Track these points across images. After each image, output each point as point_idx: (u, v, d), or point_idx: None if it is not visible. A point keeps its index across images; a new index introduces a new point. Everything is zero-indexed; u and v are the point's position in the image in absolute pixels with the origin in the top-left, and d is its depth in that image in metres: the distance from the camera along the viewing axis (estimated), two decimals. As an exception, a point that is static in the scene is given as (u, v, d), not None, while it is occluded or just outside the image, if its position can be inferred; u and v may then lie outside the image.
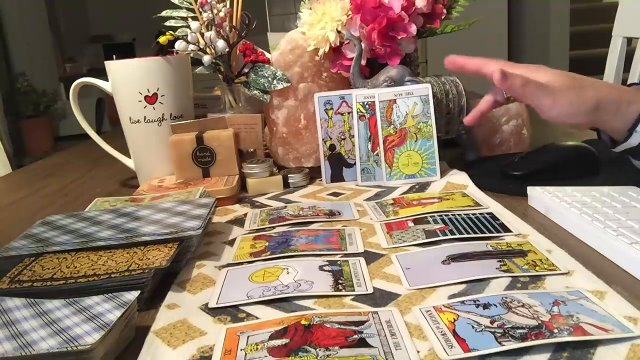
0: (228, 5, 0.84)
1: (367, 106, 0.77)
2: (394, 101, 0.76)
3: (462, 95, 0.84)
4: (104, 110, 4.99)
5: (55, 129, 4.99)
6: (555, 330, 0.36)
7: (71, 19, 5.70)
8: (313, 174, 0.82)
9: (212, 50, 0.83)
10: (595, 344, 0.36)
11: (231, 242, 0.60)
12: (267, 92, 0.82)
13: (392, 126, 0.76)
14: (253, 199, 0.76)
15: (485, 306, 0.40)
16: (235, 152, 0.80)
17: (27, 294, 0.44)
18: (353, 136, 0.78)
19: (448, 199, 0.67)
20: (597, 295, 0.42)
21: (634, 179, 0.63)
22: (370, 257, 0.53)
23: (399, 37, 0.78)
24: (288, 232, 0.60)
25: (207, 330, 0.41)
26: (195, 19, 0.85)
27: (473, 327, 0.38)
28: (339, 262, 0.51)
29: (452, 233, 0.56)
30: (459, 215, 0.61)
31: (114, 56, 0.83)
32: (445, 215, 0.61)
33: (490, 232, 0.56)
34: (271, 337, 0.39)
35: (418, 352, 0.36)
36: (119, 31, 5.62)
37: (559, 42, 3.42)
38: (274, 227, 0.63)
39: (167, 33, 0.82)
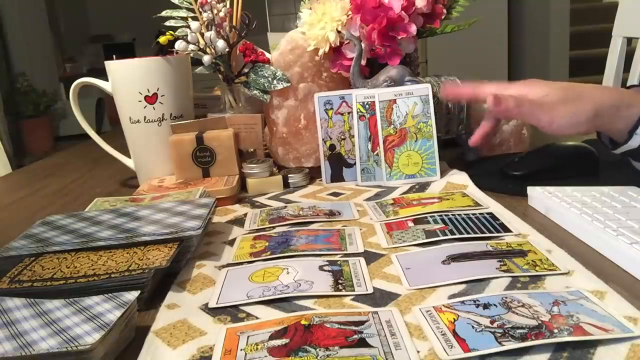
0: (228, 5, 0.84)
1: (367, 106, 0.77)
2: (394, 101, 0.76)
3: (462, 95, 0.84)
4: (104, 110, 4.99)
5: (55, 129, 4.99)
6: (555, 330, 0.36)
7: (71, 19, 5.70)
8: (313, 174, 0.82)
9: (212, 50, 0.83)
10: (595, 344, 0.36)
11: (231, 242, 0.60)
12: (267, 92, 0.82)
13: (392, 126, 0.76)
14: (253, 199, 0.76)
15: (485, 306, 0.40)
16: (235, 152, 0.80)
17: (27, 294, 0.44)
18: (353, 136, 0.78)
19: (448, 199, 0.67)
20: (597, 295, 0.42)
21: (634, 179, 0.63)
22: (370, 257, 0.53)
23: (399, 37, 0.78)
24: (288, 232, 0.60)
25: (207, 330, 0.41)
26: (195, 19, 0.85)
27: (473, 327, 0.38)
28: (339, 262, 0.51)
29: (452, 233, 0.56)
30: (459, 215, 0.61)
31: (114, 56, 0.83)
32: (445, 215, 0.61)
33: (490, 232, 0.56)
34: (271, 337, 0.39)
35: (418, 352, 0.36)
36: (119, 31, 5.62)
37: (559, 42, 3.42)
38: (274, 227, 0.63)
39: (167, 33, 0.82)
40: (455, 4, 0.86)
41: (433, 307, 0.41)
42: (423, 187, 0.74)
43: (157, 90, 0.81)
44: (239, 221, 0.67)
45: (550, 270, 0.46)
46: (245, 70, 0.84)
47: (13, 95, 4.61)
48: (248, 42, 0.85)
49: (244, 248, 0.57)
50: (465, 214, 0.61)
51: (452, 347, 0.36)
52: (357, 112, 0.78)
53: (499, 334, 0.36)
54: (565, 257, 0.49)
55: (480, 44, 3.19)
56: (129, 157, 0.88)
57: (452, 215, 0.61)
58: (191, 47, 0.83)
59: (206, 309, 0.45)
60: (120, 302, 0.41)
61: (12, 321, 0.40)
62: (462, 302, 0.42)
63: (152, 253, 0.50)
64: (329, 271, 0.49)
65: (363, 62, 0.80)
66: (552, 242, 0.53)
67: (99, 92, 1.22)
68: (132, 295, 0.42)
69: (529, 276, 0.46)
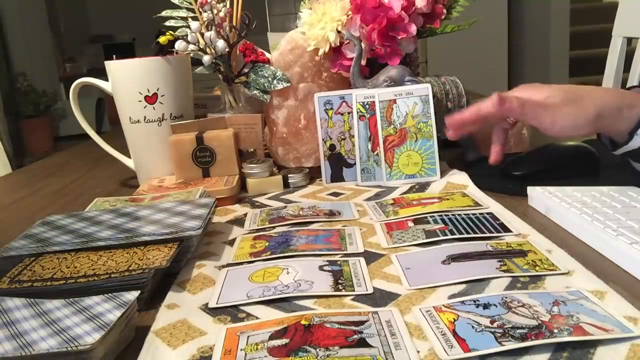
0: (228, 5, 0.84)
1: (367, 106, 0.77)
2: (394, 101, 0.76)
3: (462, 95, 0.84)
4: (104, 110, 4.99)
5: (55, 129, 4.99)
6: (555, 330, 0.36)
7: (71, 19, 5.70)
8: (313, 174, 0.82)
9: (212, 50, 0.83)
10: (595, 344, 0.36)
11: (231, 242, 0.60)
12: (267, 92, 0.82)
13: (392, 126, 0.76)
14: (253, 199, 0.76)
15: (485, 306, 0.40)
16: (235, 152, 0.80)
17: (27, 294, 0.44)
18: (353, 136, 0.78)
19: (448, 199, 0.67)
20: (597, 295, 0.42)
21: (634, 179, 0.63)
22: (370, 257, 0.53)
23: (399, 37, 0.78)
24: (288, 232, 0.60)
25: (207, 330, 0.41)
26: (195, 19, 0.85)
27: (473, 327, 0.38)
28: (339, 262, 0.51)
29: (452, 233, 0.56)
30: (459, 215, 0.61)
31: (114, 56, 0.83)
32: (445, 215, 0.61)
33: (490, 232, 0.56)
34: (271, 337, 0.39)
35: (418, 352, 0.36)
36: (119, 31, 5.62)
37: (559, 42, 3.42)
38: (274, 227, 0.63)
39: (167, 33, 0.82)
40: (455, 4, 0.86)
41: (433, 307, 0.41)
42: (423, 187, 0.74)
43: (157, 90, 0.81)
44: (239, 221, 0.67)
45: (550, 270, 0.46)
46: (245, 70, 0.84)
47: (13, 95, 4.61)
48: (248, 42, 0.85)
49: (244, 248, 0.57)
50: (465, 214, 0.61)
51: (452, 347, 0.36)
52: (357, 112, 0.78)
53: (499, 334, 0.36)
54: (565, 257, 0.49)
55: (480, 44, 3.19)
56: (129, 157, 0.88)
57: (452, 215, 0.61)
58: (191, 47, 0.83)
59: (206, 309, 0.45)
60: (120, 302, 0.41)
61: (12, 321, 0.40)
62: (462, 302, 0.42)
63: (152, 253, 0.50)
64: (329, 271, 0.49)
65: (363, 62, 0.80)
66: (552, 242, 0.53)
67: (99, 92, 1.22)
68: (132, 295, 0.42)
69: (529, 276, 0.46)
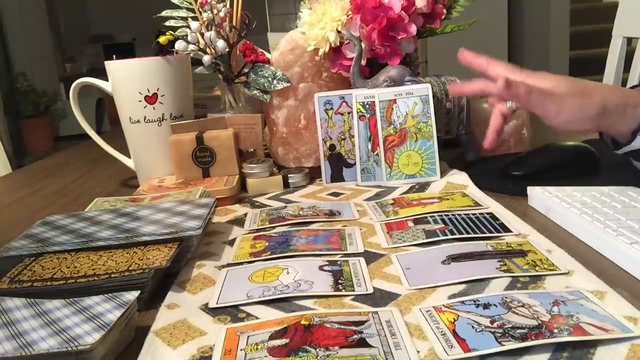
0: (228, 5, 0.84)
1: (367, 106, 0.77)
2: (394, 101, 0.76)
3: (462, 95, 0.84)
4: (104, 110, 4.99)
5: (55, 129, 4.99)
6: (555, 330, 0.36)
7: (71, 19, 5.70)
8: (313, 174, 0.82)
9: (212, 50, 0.83)
10: (595, 344, 0.36)
11: (231, 242, 0.60)
12: (267, 92, 0.82)
13: (392, 126, 0.76)
14: (253, 199, 0.76)
15: (485, 306, 0.40)
16: (235, 152, 0.80)
17: (27, 294, 0.44)
18: (353, 136, 0.78)
19: (448, 199, 0.67)
20: (597, 295, 0.42)
21: (634, 179, 0.63)
22: (370, 257, 0.53)
23: (399, 37, 0.78)
24: (288, 232, 0.60)
25: (207, 330, 0.41)
26: (195, 19, 0.85)
27: (473, 327, 0.38)
28: (339, 262, 0.51)
29: (452, 233, 0.56)
30: (459, 215, 0.61)
31: (114, 56, 0.83)
32: (445, 215, 0.61)
33: (490, 232, 0.56)
34: (271, 337, 0.39)
35: (418, 352, 0.36)
36: (119, 31, 5.61)
37: (559, 42, 3.42)
38: (274, 227, 0.63)
39: (167, 33, 0.82)
40: (455, 4, 0.86)
41: (433, 307, 0.41)
42: (423, 187, 0.74)
43: (157, 90, 0.81)
44: (239, 221, 0.67)
45: (550, 270, 0.46)
46: (245, 70, 0.84)
47: (13, 95, 4.61)
48: (248, 42, 0.85)
49: (244, 248, 0.57)
50: (465, 214, 0.61)
51: (452, 347, 0.36)
52: (357, 112, 0.78)
53: (499, 334, 0.36)
54: (565, 257, 0.49)
55: (480, 44, 3.18)
56: (129, 157, 0.88)
57: (452, 215, 0.61)
58: (191, 47, 0.83)
59: (206, 309, 0.45)
60: (120, 302, 0.41)
61: (12, 321, 0.40)
62: (462, 302, 0.42)
63: (152, 253, 0.50)
64: (329, 271, 0.49)
65: (363, 62, 0.80)
66: (552, 242, 0.53)
67: (99, 92, 1.22)
68: (132, 295, 0.42)
69: (529, 276, 0.46)
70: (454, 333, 0.37)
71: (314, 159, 0.83)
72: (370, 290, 0.46)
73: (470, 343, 0.36)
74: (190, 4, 0.85)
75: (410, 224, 0.60)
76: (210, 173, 0.79)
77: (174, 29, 0.85)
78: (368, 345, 0.37)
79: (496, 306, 0.40)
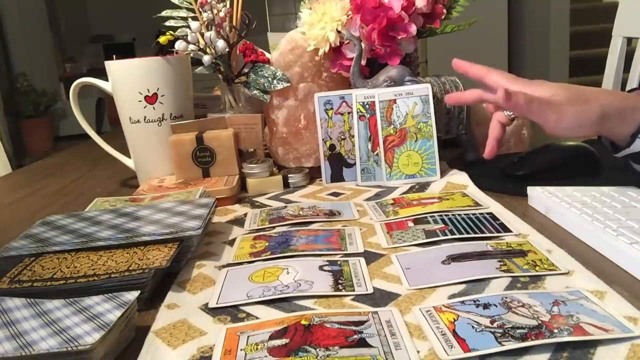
0: (228, 5, 0.84)
1: (367, 106, 0.77)
2: (394, 101, 0.76)
3: (462, 95, 0.84)
4: (104, 110, 4.99)
5: (55, 129, 4.99)
6: (555, 330, 0.36)
7: (71, 19, 5.70)
8: (313, 174, 0.82)
9: (212, 50, 0.83)
10: (595, 344, 0.36)
11: (231, 242, 0.60)
12: (267, 92, 0.82)
13: (392, 126, 0.76)
14: (253, 199, 0.76)
15: (485, 306, 0.40)
16: (235, 152, 0.80)
17: (27, 294, 0.44)
18: (353, 136, 0.78)
19: (448, 199, 0.67)
20: (597, 295, 0.42)
21: (634, 179, 0.63)
22: (370, 257, 0.53)
23: (399, 37, 0.78)
24: (288, 232, 0.60)
25: (207, 330, 0.41)
26: (195, 19, 0.85)
27: (473, 327, 0.38)
28: (339, 262, 0.51)
29: (452, 233, 0.56)
30: (459, 215, 0.61)
31: (114, 56, 0.83)
32: (445, 215, 0.61)
33: (490, 232, 0.56)
34: (271, 337, 0.39)
35: (418, 352, 0.36)
36: (119, 31, 5.62)
37: (559, 42, 3.42)
38: (274, 227, 0.63)
39: (167, 33, 0.82)
40: (455, 4, 0.86)
41: (433, 307, 0.41)
42: (423, 187, 0.74)
43: (157, 90, 0.81)
44: (239, 221, 0.67)
45: (550, 270, 0.46)
46: (245, 70, 0.84)
47: (13, 95, 4.61)
48: (248, 42, 0.85)
49: (244, 248, 0.57)
50: (465, 214, 0.61)
51: (452, 347, 0.36)
52: (357, 112, 0.78)
53: (499, 334, 0.36)
54: (565, 257, 0.49)
55: (480, 44, 3.19)
56: (129, 157, 0.88)
57: (452, 215, 0.61)
58: (191, 47, 0.83)
59: (206, 309, 0.45)
60: (120, 302, 0.41)
61: (12, 321, 0.40)
62: (462, 302, 0.42)
63: (152, 253, 0.50)
64: (329, 271, 0.49)
65: (363, 62, 0.80)
66: (552, 242, 0.53)
67: (99, 92, 1.22)
68: (132, 295, 0.42)
69: (529, 276, 0.46)
70: (454, 333, 0.37)
71: (314, 159, 0.83)
72: (370, 290, 0.46)
73: (470, 343, 0.36)
74: (190, 4, 0.85)
75: (410, 224, 0.60)
76: (210, 173, 0.79)
77: (174, 29, 0.85)
78: (368, 345, 0.37)
79: (496, 306, 0.40)
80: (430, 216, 0.61)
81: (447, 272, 0.47)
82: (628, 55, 1.24)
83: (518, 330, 0.37)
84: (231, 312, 0.44)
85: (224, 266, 0.53)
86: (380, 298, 0.44)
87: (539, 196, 0.62)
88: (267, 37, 1.16)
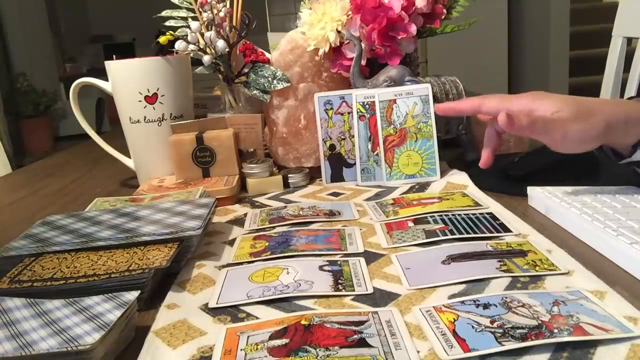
0: (228, 5, 0.84)
1: (367, 106, 0.77)
2: (394, 101, 0.76)
3: (462, 95, 0.84)
4: (104, 110, 4.99)
5: (55, 129, 4.99)
6: (555, 330, 0.36)
7: (71, 19, 5.70)
8: (313, 174, 0.82)
9: (212, 50, 0.83)
10: (595, 344, 0.36)
11: (231, 242, 0.60)
12: (267, 92, 0.82)
13: (392, 126, 0.76)
14: (253, 199, 0.76)
15: (485, 306, 0.40)
16: (235, 152, 0.80)
17: (27, 294, 0.44)
18: (353, 136, 0.78)
19: (448, 199, 0.67)
20: (597, 295, 0.42)
21: (634, 179, 0.63)
22: (370, 257, 0.53)
23: (399, 37, 0.78)
24: (288, 232, 0.60)
25: (207, 330, 0.41)
26: (195, 19, 0.85)
27: (473, 327, 0.38)
28: (339, 262, 0.51)
29: (452, 233, 0.56)
30: (459, 215, 0.61)
31: (114, 56, 0.83)
32: (445, 215, 0.61)
33: (490, 232, 0.56)
34: (271, 337, 0.39)
35: (418, 352, 0.36)
36: (119, 31, 5.62)
37: (559, 42, 3.42)
38: (274, 227, 0.63)
39: (167, 33, 0.82)
40: (455, 4, 0.86)
41: (433, 307, 0.41)
42: (423, 187, 0.74)
43: (157, 90, 0.81)
44: (239, 221, 0.67)
45: (550, 270, 0.46)
46: (245, 70, 0.84)
47: (13, 95, 4.61)
48: (248, 42, 0.85)
49: (244, 248, 0.57)
50: (465, 214, 0.61)
51: (452, 347, 0.36)
52: (357, 112, 0.78)
53: (499, 334, 0.36)
54: (565, 257, 0.49)
55: (480, 44, 3.19)
56: (129, 157, 0.88)
57: (452, 215, 0.61)
58: (191, 47, 0.83)
59: (206, 309, 0.45)
60: (120, 302, 0.41)
61: (12, 321, 0.40)
62: (462, 302, 0.42)
63: (152, 253, 0.50)
64: (329, 271, 0.49)
65: (363, 62, 0.80)
66: (552, 242, 0.53)
67: (99, 92, 1.22)
68: (132, 295, 0.42)
69: (529, 276, 0.46)
70: (454, 333, 0.37)
71: (314, 159, 0.83)
72: (370, 290, 0.46)
73: (470, 343, 0.36)
74: (190, 4, 0.85)
75: (410, 224, 0.60)
76: (210, 173, 0.79)
77: (174, 29, 0.85)
78: (368, 345, 0.37)
79: (496, 306, 0.40)
80: (430, 216, 0.61)
81: (447, 272, 0.47)
82: (628, 55, 1.24)
83: (518, 330, 0.37)
84: (231, 312, 0.44)
85: (224, 266, 0.53)
86: (380, 298, 0.44)
87: (539, 196, 0.62)
88: (267, 37, 1.16)
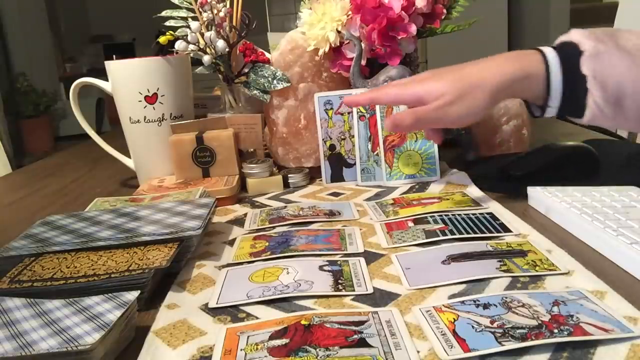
0: (228, 5, 0.84)
1: (367, 106, 0.77)
2: (394, 101, 0.76)
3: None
4: (104, 110, 4.99)
5: (55, 129, 4.99)
6: (555, 330, 0.36)
7: (71, 19, 5.70)
8: (313, 174, 0.82)
9: (212, 50, 0.83)
10: (595, 344, 0.36)
11: (231, 242, 0.60)
12: (267, 92, 0.82)
13: (392, 126, 0.76)
14: (253, 199, 0.76)
15: (485, 306, 0.40)
16: (235, 152, 0.80)
17: (27, 294, 0.44)
18: (353, 136, 0.78)
19: (448, 199, 0.67)
20: (597, 295, 0.42)
21: (634, 179, 0.63)
22: (370, 257, 0.53)
23: (399, 37, 0.78)
24: (288, 232, 0.60)
25: (207, 330, 0.41)
26: (195, 19, 0.85)
27: (473, 327, 0.38)
28: (339, 262, 0.51)
29: (452, 233, 0.56)
30: (459, 215, 0.61)
31: (114, 56, 0.83)
32: (445, 215, 0.61)
33: (490, 232, 0.56)
34: (271, 337, 0.39)
35: (418, 352, 0.36)
36: (119, 31, 5.62)
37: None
38: (274, 227, 0.63)
39: (167, 33, 0.82)
40: (455, 4, 0.86)
41: (433, 307, 0.41)
42: (423, 187, 0.74)
43: (157, 90, 0.81)
44: (239, 221, 0.67)
45: (550, 270, 0.46)
46: (245, 70, 0.84)
47: (13, 95, 4.61)
48: (248, 42, 0.85)
49: (244, 248, 0.57)
50: (465, 214, 0.61)
51: (452, 347, 0.36)
52: (357, 112, 0.78)
53: (499, 334, 0.36)
54: (565, 257, 0.49)
55: (480, 44, 3.19)
56: (129, 157, 0.88)
57: (452, 215, 0.61)
58: (191, 47, 0.83)
59: (206, 309, 0.45)
60: (120, 302, 0.41)
61: (12, 321, 0.40)
62: (462, 302, 0.42)
63: (152, 253, 0.50)
64: (329, 271, 0.49)
65: (363, 62, 0.80)
66: (552, 242, 0.53)
67: (99, 92, 1.22)
68: (132, 295, 0.42)
69: (529, 276, 0.46)
70: (454, 333, 0.37)
71: (314, 159, 0.83)
72: (370, 290, 0.46)
73: (470, 343, 0.36)
74: (190, 4, 0.85)
75: (410, 224, 0.60)
76: (210, 173, 0.79)
77: (174, 29, 0.85)
78: (368, 345, 0.37)
79: (496, 306, 0.40)
80: (430, 216, 0.61)
81: (447, 272, 0.47)
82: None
83: (518, 330, 0.37)
84: (231, 312, 0.44)
85: (224, 266, 0.53)
86: (380, 298, 0.44)
87: (539, 196, 0.62)
88: (267, 37, 1.16)
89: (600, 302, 0.40)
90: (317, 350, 0.36)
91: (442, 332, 0.38)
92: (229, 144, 0.79)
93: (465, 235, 0.55)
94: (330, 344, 0.37)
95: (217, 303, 0.45)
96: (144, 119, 0.81)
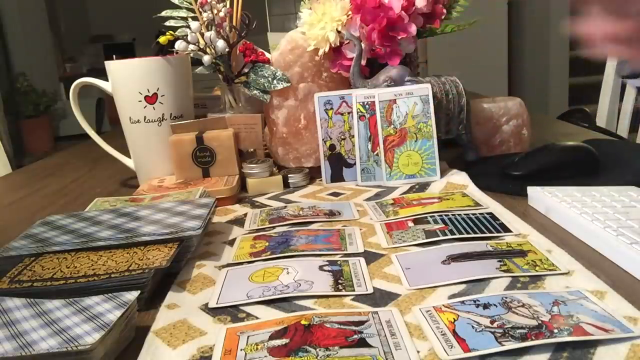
0: (228, 5, 0.84)
1: (367, 106, 0.77)
2: (394, 101, 0.76)
3: (462, 95, 0.84)
4: (104, 110, 4.99)
5: (55, 129, 4.99)
6: (555, 330, 0.36)
7: (71, 19, 5.70)
8: (313, 174, 0.82)
9: (212, 50, 0.83)
10: (595, 344, 0.36)
11: (231, 242, 0.60)
12: (267, 92, 0.82)
13: (392, 126, 0.76)
14: (253, 199, 0.76)
15: (485, 306, 0.40)
16: (235, 152, 0.80)
17: (27, 294, 0.44)
18: (353, 136, 0.78)
19: (448, 199, 0.67)
20: (597, 295, 0.42)
21: (634, 179, 0.63)
22: (370, 257, 0.53)
23: (399, 37, 0.78)
24: (288, 232, 0.60)
25: (207, 330, 0.41)
26: (195, 19, 0.85)
27: (473, 327, 0.38)
28: (339, 262, 0.51)
29: (452, 233, 0.56)
30: (459, 215, 0.61)
31: (114, 56, 0.83)
32: (445, 215, 0.61)
33: (490, 232, 0.56)
34: (271, 337, 0.39)
35: (418, 352, 0.36)
36: (119, 31, 5.62)
37: (559, 43, 3.43)
38: (274, 227, 0.63)
39: (167, 33, 0.82)
40: (455, 4, 0.86)
41: (433, 307, 0.41)
42: (423, 187, 0.74)
43: (157, 90, 0.81)
44: (239, 221, 0.67)
45: (550, 270, 0.46)
46: (245, 70, 0.84)
47: (13, 95, 4.61)
48: (248, 42, 0.85)
49: (244, 248, 0.57)
50: (465, 214, 0.61)
51: (452, 347, 0.36)
52: (357, 112, 0.78)
53: (499, 334, 0.36)
54: (565, 257, 0.49)
55: (480, 44, 3.19)
56: (129, 157, 0.88)
57: (452, 215, 0.61)
58: (191, 47, 0.83)
59: (206, 309, 0.45)
60: (120, 302, 0.41)
61: (12, 321, 0.40)
62: (462, 302, 0.42)
63: (152, 253, 0.50)
64: (329, 271, 0.49)
65: (363, 62, 0.80)
66: (552, 242, 0.53)
67: (99, 92, 1.22)
68: (132, 295, 0.42)
69: (529, 276, 0.46)
70: (454, 333, 0.37)
71: (314, 159, 0.83)
72: (370, 290, 0.46)
73: (470, 343, 0.36)
74: (190, 4, 0.85)
75: (410, 224, 0.60)
76: (210, 173, 0.79)
77: (174, 29, 0.85)
78: (368, 345, 0.37)
79: (496, 306, 0.40)
80: (430, 216, 0.61)
81: (447, 272, 0.47)
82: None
83: (518, 330, 0.37)
84: (231, 312, 0.44)
85: (224, 266, 0.53)
86: (380, 298, 0.44)
87: (539, 196, 0.62)
88: (267, 37, 1.16)
89: (600, 302, 0.40)
90: (317, 350, 0.36)
91: (442, 332, 0.38)
92: (229, 144, 0.79)
93: (465, 235, 0.55)
94: (330, 344, 0.37)
95: (217, 303, 0.45)
96: (144, 119, 0.81)
